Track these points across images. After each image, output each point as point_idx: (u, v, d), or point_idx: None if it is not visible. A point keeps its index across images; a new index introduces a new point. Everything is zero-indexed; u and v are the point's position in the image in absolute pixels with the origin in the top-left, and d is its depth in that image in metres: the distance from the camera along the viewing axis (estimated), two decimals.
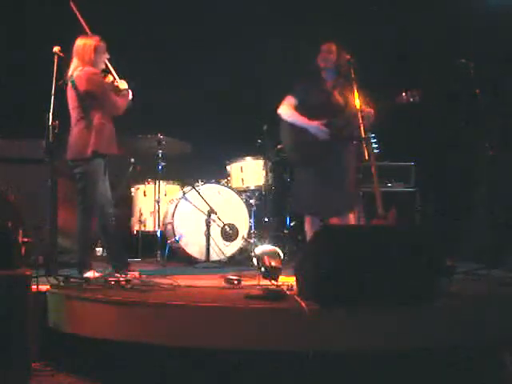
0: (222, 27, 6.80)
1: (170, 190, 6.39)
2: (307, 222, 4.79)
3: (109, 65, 4.54)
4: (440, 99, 4.64)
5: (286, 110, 4.73)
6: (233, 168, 6.35)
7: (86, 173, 4.39)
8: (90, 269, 4.34)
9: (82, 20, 4.52)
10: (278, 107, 4.77)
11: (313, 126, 4.62)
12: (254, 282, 3.98)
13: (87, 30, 4.51)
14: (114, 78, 4.55)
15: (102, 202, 4.49)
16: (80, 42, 4.42)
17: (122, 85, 4.55)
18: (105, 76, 4.53)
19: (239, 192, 6.17)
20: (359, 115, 4.37)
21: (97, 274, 4.26)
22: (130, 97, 4.62)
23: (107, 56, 4.50)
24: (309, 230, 4.75)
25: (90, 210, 4.41)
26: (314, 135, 4.62)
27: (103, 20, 4.60)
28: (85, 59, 4.38)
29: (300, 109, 4.71)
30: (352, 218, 4.73)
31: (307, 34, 6.46)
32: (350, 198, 4.73)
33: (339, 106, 4.66)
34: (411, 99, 4.57)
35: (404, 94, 4.59)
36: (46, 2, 6.51)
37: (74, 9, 4.52)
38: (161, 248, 5.99)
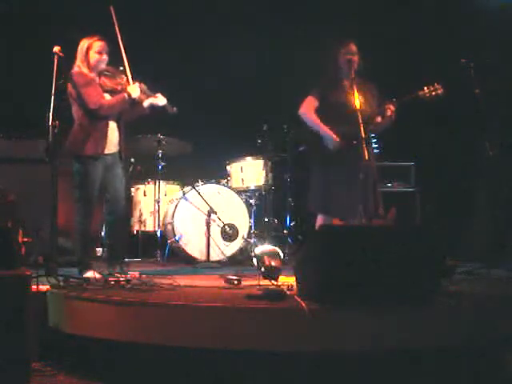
0: (222, 26, 6.81)
1: (170, 189, 6.40)
2: (319, 220, 4.75)
3: (126, 67, 4.48)
4: (441, 99, 4.62)
5: (308, 113, 4.66)
6: (233, 168, 6.34)
7: (77, 172, 4.39)
8: (90, 269, 4.33)
9: (116, 25, 4.49)
10: (299, 107, 4.70)
11: (326, 134, 4.55)
12: (254, 282, 3.97)
13: (119, 36, 4.47)
14: (128, 81, 4.49)
15: (112, 202, 4.49)
16: (80, 42, 4.44)
17: (132, 89, 4.44)
18: (113, 77, 4.48)
19: (239, 192, 6.17)
20: (359, 115, 4.36)
21: (97, 275, 4.25)
22: (161, 103, 4.58)
23: (104, 57, 4.44)
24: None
25: (84, 210, 4.37)
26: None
27: (104, 19, 4.57)
28: (81, 58, 4.41)
29: (320, 109, 4.65)
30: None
31: (307, 33, 6.48)
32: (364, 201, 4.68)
33: (357, 105, 4.55)
34: (433, 93, 4.53)
35: (426, 88, 4.53)
36: (46, 2, 6.52)
37: (113, 14, 4.49)
38: (161, 248, 5.99)
